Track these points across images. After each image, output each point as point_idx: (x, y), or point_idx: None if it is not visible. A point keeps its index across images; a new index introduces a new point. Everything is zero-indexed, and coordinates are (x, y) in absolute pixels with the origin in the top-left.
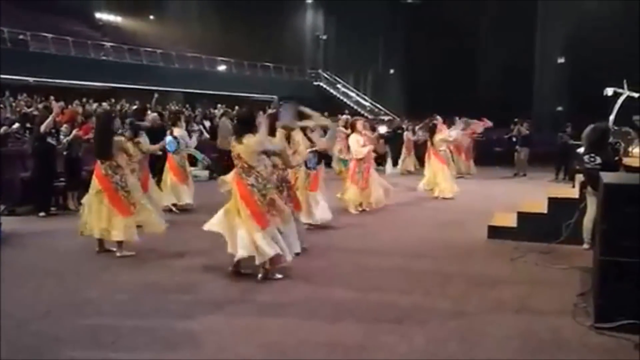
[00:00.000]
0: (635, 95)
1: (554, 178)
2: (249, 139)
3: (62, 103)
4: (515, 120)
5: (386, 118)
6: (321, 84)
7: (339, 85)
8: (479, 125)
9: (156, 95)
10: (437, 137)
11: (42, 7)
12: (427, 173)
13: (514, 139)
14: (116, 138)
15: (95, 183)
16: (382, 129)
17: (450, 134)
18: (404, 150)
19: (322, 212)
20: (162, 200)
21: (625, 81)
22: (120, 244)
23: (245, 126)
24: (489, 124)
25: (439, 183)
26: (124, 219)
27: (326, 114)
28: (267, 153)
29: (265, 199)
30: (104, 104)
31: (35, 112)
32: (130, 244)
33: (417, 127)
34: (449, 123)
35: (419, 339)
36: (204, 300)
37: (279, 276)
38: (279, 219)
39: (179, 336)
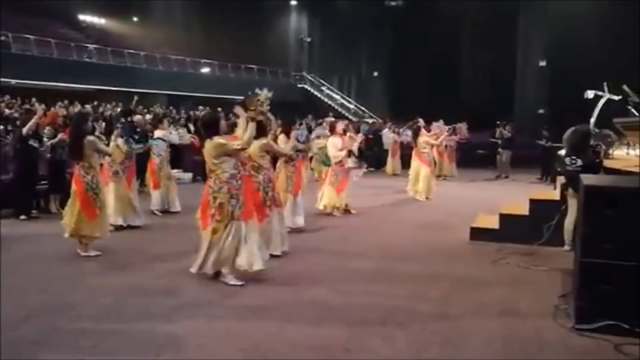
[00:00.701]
0: (616, 98)
1: (539, 178)
2: (208, 142)
3: (44, 105)
4: (498, 122)
5: (370, 120)
6: (306, 86)
7: (323, 88)
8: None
9: (136, 97)
10: (421, 139)
11: (25, 8)
12: (411, 174)
13: (499, 142)
14: (90, 138)
15: (73, 183)
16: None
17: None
18: (389, 153)
19: (295, 218)
20: (151, 204)
21: (605, 84)
22: (86, 244)
23: (208, 129)
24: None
25: (419, 185)
26: (89, 224)
27: (310, 116)
28: (230, 154)
29: (214, 201)
30: (87, 106)
31: (17, 114)
32: (95, 244)
33: (401, 130)
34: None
35: (402, 341)
36: (186, 304)
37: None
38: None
39: (161, 339)
